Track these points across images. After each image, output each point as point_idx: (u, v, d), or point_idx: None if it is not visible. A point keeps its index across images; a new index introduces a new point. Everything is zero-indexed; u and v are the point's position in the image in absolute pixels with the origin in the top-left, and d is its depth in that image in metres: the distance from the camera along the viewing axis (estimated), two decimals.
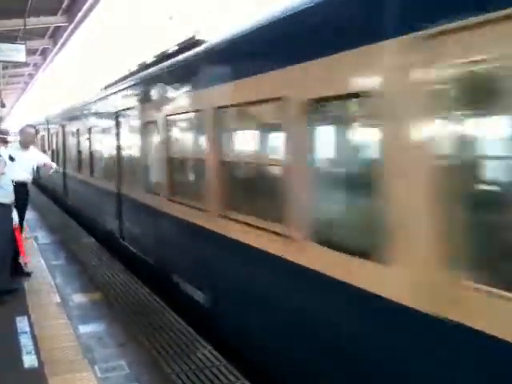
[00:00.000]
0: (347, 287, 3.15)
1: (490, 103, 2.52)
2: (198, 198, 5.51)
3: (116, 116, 8.73)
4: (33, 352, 4.61)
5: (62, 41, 18.96)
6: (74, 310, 5.97)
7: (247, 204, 4.80)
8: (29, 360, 4.46)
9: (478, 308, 2.37)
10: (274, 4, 4.46)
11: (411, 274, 2.73)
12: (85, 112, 11.83)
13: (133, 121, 7.83)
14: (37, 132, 7.90)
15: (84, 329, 5.34)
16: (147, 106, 7.12)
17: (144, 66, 8.09)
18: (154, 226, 7.03)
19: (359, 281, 3.07)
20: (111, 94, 9.40)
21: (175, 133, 6.60)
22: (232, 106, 4.86)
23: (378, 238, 2.91)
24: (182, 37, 6.90)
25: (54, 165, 8.40)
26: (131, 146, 8.04)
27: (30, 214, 10.25)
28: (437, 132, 2.55)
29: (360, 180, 3.28)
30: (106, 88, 10.53)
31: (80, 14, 15.32)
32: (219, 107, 4.94)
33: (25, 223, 7.85)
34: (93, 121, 11.05)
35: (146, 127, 7.20)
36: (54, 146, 16.95)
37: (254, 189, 4.79)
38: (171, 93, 6.39)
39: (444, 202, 2.52)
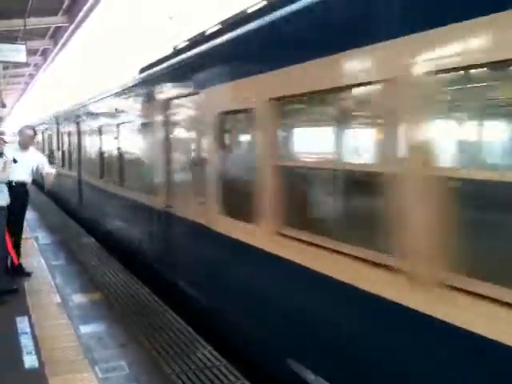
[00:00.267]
0: None
1: None
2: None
3: (164, 105, 6.50)
4: (33, 352, 4.61)
5: (62, 41, 18.97)
6: (75, 310, 5.97)
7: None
8: (29, 360, 4.46)
9: None
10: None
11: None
12: (111, 104, 9.38)
13: (194, 112, 5.77)
14: (35, 133, 7.82)
15: (84, 329, 5.35)
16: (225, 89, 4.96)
17: (206, 37, 5.88)
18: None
19: None
20: (156, 76, 7.07)
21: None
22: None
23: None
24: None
25: (53, 171, 8.14)
26: (188, 147, 6.20)
27: (30, 214, 10.25)
28: None
29: None
30: (144, 70, 7.90)
31: (80, 15, 15.34)
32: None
33: (25, 223, 7.84)
34: (124, 115, 8.59)
35: (220, 121, 5.13)
36: (66, 148, 14.60)
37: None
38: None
39: None
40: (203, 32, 6.10)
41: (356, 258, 3.14)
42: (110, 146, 9.60)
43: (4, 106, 25.11)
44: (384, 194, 3.03)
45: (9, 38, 15.30)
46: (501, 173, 2.51)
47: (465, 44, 2.47)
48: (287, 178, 3.95)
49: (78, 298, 6.41)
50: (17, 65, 20.16)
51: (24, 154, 7.06)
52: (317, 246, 3.50)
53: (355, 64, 3.21)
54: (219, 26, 5.70)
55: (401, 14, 2.88)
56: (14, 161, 6.45)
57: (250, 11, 4.99)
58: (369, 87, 3.20)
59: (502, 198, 2.56)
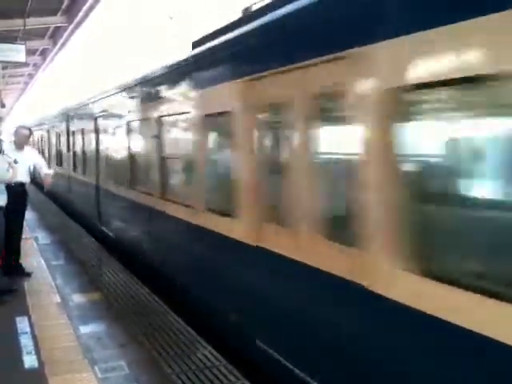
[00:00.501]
0: None
1: None
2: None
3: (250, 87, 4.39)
4: (33, 352, 4.62)
5: (61, 41, 18.97)
6: (74, 310, 5.97)
7: None
8: (29, 360, 4.47)
9: None
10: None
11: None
12: (150, 92, 7.24)
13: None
14: (31, 133, 7.78)
15: (84, 329, 5.35)
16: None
17: None
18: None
19: None
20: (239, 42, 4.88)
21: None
22: None
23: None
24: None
25: (51, 171, 8.02)
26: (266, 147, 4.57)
27: (29, 215, 10.25)
28: None
29: None
30: (201, 43, 5.88)
31: (80, 15, 15.33)
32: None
33: (24, 223, 7.84)
34: (172, 105, 6.38)
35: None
36: (79, 149, 12.40)
37: None
38: None
39: None
40: None
41: None
42: (145, 146, 7.55)
43: (3, 106, 25.09)
44: None
45: (8, 37, 15.31)
46: None
47: None
48: None
49: (78, 298, 6.41)
50: (16, 65, 20.16)
51: (20, 154, 7.05)
52: None
53: None
54: None
55: None
56: (15, 161, 6.47)
57: None
58: None
59: None
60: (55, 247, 9.52)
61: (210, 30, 5.92)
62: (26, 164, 7.19)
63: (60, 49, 20.73)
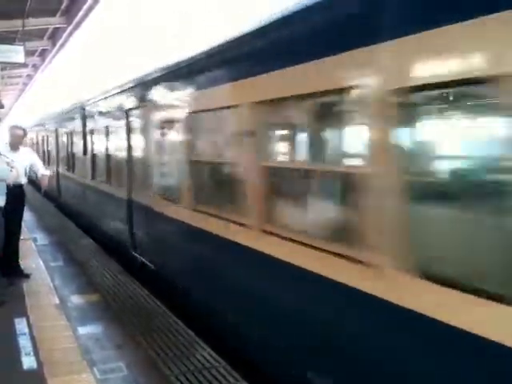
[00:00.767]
0: None
1: None
2: None
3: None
4: (32, 353, 4.61)
5: (60, 42, 18.95)
6: (73, 311, 5.98)
7: None
8: (28, 361, 4.46)
9: None
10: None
11: None
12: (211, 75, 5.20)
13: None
14: (25, 133, 7.72)
15: (83, 330, 5.35)
16: None
17: None
18: None
19: None
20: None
21: None
22: None
23: None
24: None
25: (48, 172, 7.82)
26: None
27: (27, 216, 10.24)
28: None
29: None
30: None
31: (79, 15, 15.33)
32: None
33: (23, 224, 7.83)
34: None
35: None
36: (101, 151, 9.99)
37: None
38: None
39: None
40: None
41: None
42: (218, 148, 5.58)
43: (2, 106, 25.07)
44: None
45: (7, 38, 15.29)
46: None
47: None
48: None
49: (77, 299, 6.42)
50: (15, 65, 20.14)
51: (16, 155, 7.01)
52: None
53: None
54: None
55: None
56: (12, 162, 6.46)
57: None
58: None
59: None
60: (54, 248, 9.52)
61: None
62: (22, 165, 7.17)
63: (59, 50, 20.72)
